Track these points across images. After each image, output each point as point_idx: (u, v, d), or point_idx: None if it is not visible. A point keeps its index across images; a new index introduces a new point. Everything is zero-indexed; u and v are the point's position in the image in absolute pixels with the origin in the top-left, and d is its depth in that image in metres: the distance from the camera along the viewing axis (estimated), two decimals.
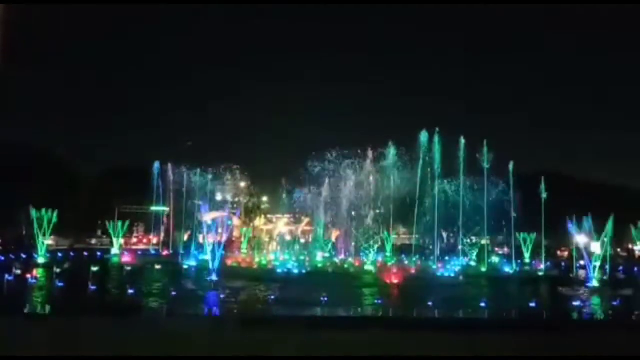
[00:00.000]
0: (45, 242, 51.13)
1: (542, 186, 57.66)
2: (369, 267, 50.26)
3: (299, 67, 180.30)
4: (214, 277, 30.25)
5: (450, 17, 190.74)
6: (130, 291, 27.72)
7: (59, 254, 56.02)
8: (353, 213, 65.19)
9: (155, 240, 78.99)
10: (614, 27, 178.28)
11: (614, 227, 52.26)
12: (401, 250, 65.67)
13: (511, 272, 52.70)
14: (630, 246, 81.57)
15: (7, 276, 30.87)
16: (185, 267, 48.64)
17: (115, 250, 63.45)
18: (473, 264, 57.08)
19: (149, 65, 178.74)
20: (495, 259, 63.42)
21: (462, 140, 57.09)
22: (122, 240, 66.93)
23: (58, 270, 35.01)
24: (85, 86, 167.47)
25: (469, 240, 61.18)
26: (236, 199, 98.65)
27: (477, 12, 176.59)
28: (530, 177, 63.90)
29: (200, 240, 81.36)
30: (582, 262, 62.05)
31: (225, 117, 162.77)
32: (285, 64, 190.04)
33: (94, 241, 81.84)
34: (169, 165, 73.39)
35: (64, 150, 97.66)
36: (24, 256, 49.58)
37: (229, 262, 53.37)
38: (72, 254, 61.78)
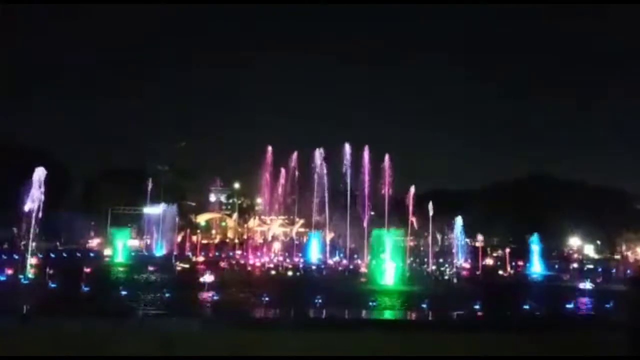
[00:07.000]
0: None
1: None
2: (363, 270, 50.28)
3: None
4: (207, 278, 30.05)
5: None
6: (123, 292, 27.55)
7: (52, 255, 55.54)
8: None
9: (148, 242, 78.66)
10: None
11: (607, 231, 52.60)
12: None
13: (505, 274, 53.18)
14: (623, 249, 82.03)
15: None
16: (178, 268, 48.55)
17: (107, 252, 63.07)
18: (467, 266, 57.41)
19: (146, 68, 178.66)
20: (489, 261, 63.84)
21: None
22: (115, 242, 66.40)
23: (51, 272, 34.66)
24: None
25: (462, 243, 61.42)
26: (230, 200, 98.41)
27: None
28: (520, 180, 64.09)
29: (194, 241, 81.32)
30: (575, 265, 62.68)
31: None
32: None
33: (89, 242, 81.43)
34: (164, 166, 73.26)
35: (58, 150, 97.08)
36: (16, 257, 49.08)
37: (222, 264, 53.54)
38: (64, 254, 61.30)
